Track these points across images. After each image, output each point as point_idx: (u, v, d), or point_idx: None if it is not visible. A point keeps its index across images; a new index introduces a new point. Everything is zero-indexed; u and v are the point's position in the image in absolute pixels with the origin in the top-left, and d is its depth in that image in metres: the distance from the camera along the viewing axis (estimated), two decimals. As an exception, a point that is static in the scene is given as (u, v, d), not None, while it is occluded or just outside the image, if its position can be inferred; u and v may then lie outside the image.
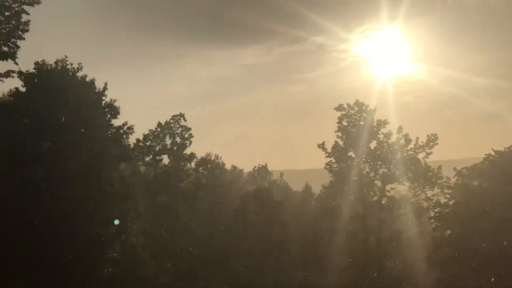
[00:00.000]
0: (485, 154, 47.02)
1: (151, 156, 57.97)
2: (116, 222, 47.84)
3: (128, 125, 45.71)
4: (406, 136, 55.68)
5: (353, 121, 57.89)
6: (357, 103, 57.93)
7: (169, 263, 54.06)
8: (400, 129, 56.32)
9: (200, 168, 61.14)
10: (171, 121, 58.45)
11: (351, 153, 57.91)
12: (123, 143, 46.64)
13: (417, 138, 55.25)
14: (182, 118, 58.82)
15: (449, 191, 50.17)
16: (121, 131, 45.49)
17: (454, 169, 49.28)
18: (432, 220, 50.99)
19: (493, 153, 46.33)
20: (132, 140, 54.33)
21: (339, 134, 57.99)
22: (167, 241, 53.59)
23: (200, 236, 55.42)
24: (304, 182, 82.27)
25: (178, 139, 57.96)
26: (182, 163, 58.45)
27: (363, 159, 57.61)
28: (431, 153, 54.94)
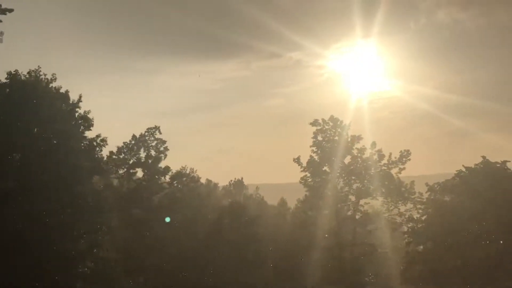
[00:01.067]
0: (456, 170, 48.05)
1: (124, 169, 57.06)
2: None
3: (101, 137, 45.09)
4: (379, 152, 56.57)
5: (328, 136, 58.58)
6: (332, 118, 58.70)
7: (142, 277, 53.14)
8: (373, 144, 57.22)
9: (175, 182, 60.44)
10: (146, 133, 57.78)
11: (326, 168, 58.46)
12: (96, 156, 45.93)
13: (390, 154, 56.25)
14: (157, 131, 58.24)
15: (422, 206, 51.03)
16: (94, 143, 44.82)
17: (426, 184, 50.16)
18: (405, 235, 51.65)
19: (463, 169, 47.34)
20: (105, 152, 53.66)
21: (314, 149, 58.58)
22: (140, 256, 52.70)
23: (174, 251, 54.72)
24: (280, 196, 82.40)
25: (152, 152, 57.26)
26: (157, 177, 57.72)
27: (338, 174, 58.20)
28: (404, 168, 55.93)
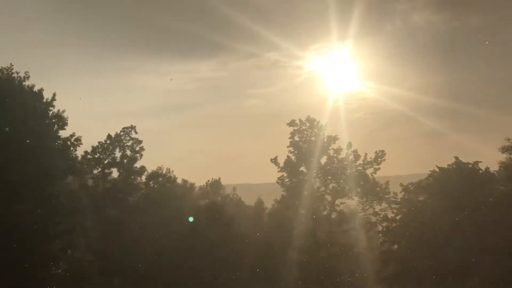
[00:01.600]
0: (429, 171, 48.87)
1: (99, 169, 56.36)
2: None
3: (75, 137, 44.49)
4: (355, 152, 57.27)
5: (304, 137, 59.00)
6: (308, 119, 59.13)
7: (117, 279, 52.46)
8: (349, 145, 57.87)
9: (151, 182, 59.89)
10: (122, 133, 57.17)
11: (302, 168, 58.85)
12: (71, 155, 45.29)
13: (366, 154, 56.99)
14: (133, 131, 57.69)
15: (396, 206, 51.76)
16: (69, 142, 44.18)
17: (401, 184, 50.90)
18: (380, 235, 52.29)
19: (437, 170, 48.19)
20: (80, 152, 52.91)
21: (291, 149, 58.92)
22: (115, 257, 52.04)
23: (150, 251, 54.21)
24: (257, 196, 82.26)
25: (128, 152, 56.69)
26: (132, 177, 57.17)
27: (314, 174, 58.63)
28: (379, 168, 56.78)
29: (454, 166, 46.88)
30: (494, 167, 47.04)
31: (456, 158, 47.37)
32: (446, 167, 47.47)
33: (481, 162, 46.86)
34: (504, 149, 42.54)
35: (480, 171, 46.67)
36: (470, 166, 46.59)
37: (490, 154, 44.57)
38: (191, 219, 50.63)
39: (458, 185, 44.84)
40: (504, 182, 45.32)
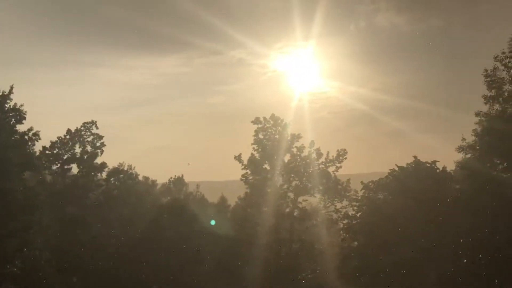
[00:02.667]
0: (389, 169, 49.94)
1: (58, 165, 54.96)
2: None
3: (34, 131, 43.19)
4: (317, 150, 57.91)
5: (268, 135, 59.29)
6: (273, 117, 59.47)
7: (76, 277, 51.37)
8: (312, 143, 58.54)
9: (112, 179, 58.94)
10: (82, 128, 55.94)
11: (266, 166, 59.11)
12: (28, 150, 43.98)
13: (328, 153, 57.72)
14: (94, 126, 56.53)
15: (357, 204, 52.66)
16: (26, 137, 42.86)
17: (362, 182, 51.78)
18: (341, 232, 53.13)
19: (396, 168, 49.30)
20: (38, 147, 51.51)
21: (255, 146, 59.10)
22: (74, 255, 50.97)
23: (110, 249, 53.34)
24: (220, 194, 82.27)
25: (89, 148, 55.55)
26: (93, 173, 56.05)
27: (278, 172, 58.99)
28: (340, 167, 57.57)
29: (413, 165, 48.02)
30: (452, 166, 48.57)
31: (415, 157, 48.57)
32: (405, 166, 48.59)
33: (438, 161, 48.17)
34: (460, 149, 43.83)
35: (438, 170, 47.98)
36: (428, 165, 47.83)
37: (449, 153, 45.94)
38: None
39: (416, 183, 45.97)
40: (460, 181, 46.77)
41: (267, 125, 59.27)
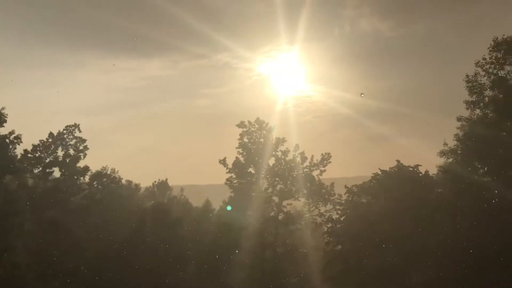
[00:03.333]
0: (372, 173, 50.30)
1: (40, 168, 54.21)
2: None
3: (15, 134, 42.62)
4: (302, 154, 58.10)
5: (253, 138, 59.31)
6: (257, 120, 59.54)
7: (57, 282, 50.60)
8: (297, 147, 58.72)
9: (95, 183, 58.28)
10: (65, 131, 55.29)
11: (251, 169, 59.10)
12: (9, 154, 43.36)
13: (312, 156, 57.93)
14: (77, 129, 55.91)
15: (341, 208, 52.91)
16: (7, 140, 42.26)
17: (345, 186, 52.05)
18: (325, 235, 53.29)
19: (379, 172, 49.67)
20: (19, 150, 50.79)
21: (240, 150, 59.08)
22: (55, 260, 50.22)
23: (92, 254, 52.67)
24: (205, 198, 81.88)
25: (71, 151, 54.89)
26: (75, 177, 55.37)
27: (263, 175, 58.99)
28: (324, 170, 57.79)
29: (396, 169, 48.47)
30: (435, 171, 49.06)
31: (398, 161, 49.04)
32: (388, 170, 48.99)
33: (421, 165, 48.71)
34: (442, 154, 44.36)
35: (420, 174, 48.48)
36: (411, 169, 48.32)
37: (432, 157, 46.42)
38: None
39: (399, 187, 46.39)
40: (442, 185, 47.31)
41: (252, 128, 59.29)
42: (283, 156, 58.50)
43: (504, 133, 41.93)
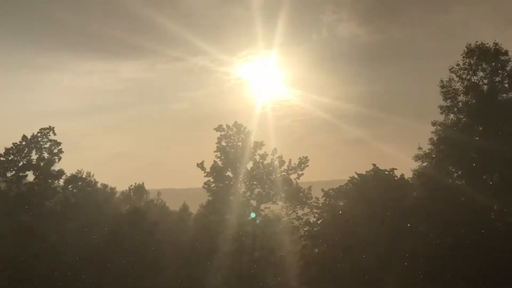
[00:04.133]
0: (349, 177, 50.74)
1: (13, 172, 53.08)
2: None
3: (-13, 137, 41.59)
4: (280, 158, 58.28)
5: (231, 142, 59.23)
6: (235, 124, 59.50)
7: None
8: (275, 150, 58.84)
9: (70, 186, 57.35)
10: (39, 134, 54.28)
11: (229, 173, 58.96)
12: (-20, 157, 42.31)
13: (290, 160, 58.14)
14: (51, 132, 54.95)
15: (318, 211, 53.19)
16: (-21, 143, 41.20)
17: (322, 190, 52.35)
18: (302, 239, 53.45)
19: (356, 176, 50.13)
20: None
21: (218, 154, 58.89)
22: (29, 265, 49.20)
23: (67, 259, 51.79)
24: (182, 201, 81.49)
25: (45, 154, 53.90)
26: (49, 180, 54.37)
27: (240, 179, 58.93)
28: (302, 174, 58.06)
29: (372, 173, 48.97)
30: (410, 174, 49.75)
31: (374, 165, 49.53)
32: (364, 173, 49.46)
33: (396, 169, 49.29)
34: (417, 158, 45.00)
35: (396, 178, 49.09)
36: (387, 173, 48.88)
37: (407, 161, 47.09)
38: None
39: (375, 191, 46.88)
40: (417, 188, 48.00)
41: (230, 132, 59.24)
42: (261, 160, 58.58)
43: (477, 138, 42.82)
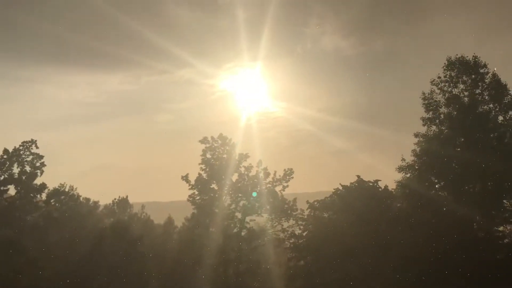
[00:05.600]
0: (334, 188, 50.99)
1: (-6, 186, 52.27)
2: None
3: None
4: (265, 170, 58.28)
5: (216, 154, 59.09)
6: (220, 136, 59.45)
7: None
8: (260, 162, 58.91)
9: (52, 200, 56.49)
10: (21, 148, 53.59)
11: (214, 185, 58.73)
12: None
13: (275, 172, 58.19)
14: (34, 145, 54.30)
15: (303, 223, 53.22)
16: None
17: (307, 202, 52.46)
18: (288, 251, 53.34)
19: (340, 188, 50.42)
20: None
21: (203, 166, 58.67)
22: (9, 280, 48.19)
23: (49, 273, 50.86)
24: (167, 215, 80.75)
25: (28, 168, 53.20)
26: (32, 195, 53.59)
27: (225, 191, 58.71)
28: (287, 186, 58.08)
29: (356, 184, 49.33)
30: (394, 185, 50.16)
31: (358, 176, 49.95)
32: (349, 185, 49.78)
33: (380, 180, 49.79)
34: (400, 169, 45.48)
35: (380, 189, 49.51)
36: (371, 184, 49.30)
37: (392, 172, 47.53)
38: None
39: (359, 202, 47.18)
40: (401, 200, 48.43)
41: (215, 144, 59.13)
42: (246, 172, 58.50)
43: (458, 149, 43.50)
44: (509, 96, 43.36)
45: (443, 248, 40.24)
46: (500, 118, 43.74)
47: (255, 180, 58.29)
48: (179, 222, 77.78)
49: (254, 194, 56.86)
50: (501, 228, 42.66)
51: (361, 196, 47.81)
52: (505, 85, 43.53)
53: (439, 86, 44.99)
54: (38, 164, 53.96)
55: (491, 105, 43.88)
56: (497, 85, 43.57)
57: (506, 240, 42.28)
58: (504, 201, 42.63)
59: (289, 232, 54.53)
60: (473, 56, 44.36)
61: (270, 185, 57.86)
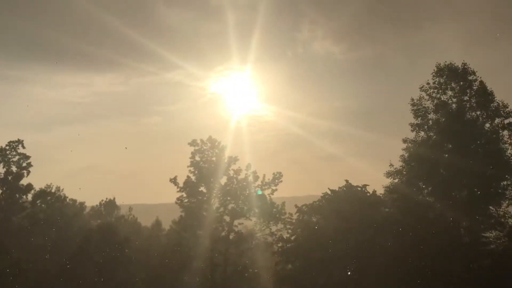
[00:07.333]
0: (322, 193, 50.97)
1: (-21, 186, 51.56)
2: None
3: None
4: (254, 173, 58.21)
5: (205, 157, 58.92)
6: (210, 139, 59.29)
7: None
8: (249, 166, 58.79)
9: (38, 201, 55.85)
10: (7, 147, 52.97)
11: (202, 188, 58.53)
12: None
13: (264, 175, 58.13)
14: (20, 145, 53.70)
15: (291, 227, 53.09)
16: None
17: (296, 206, 52.39)
18: (275, 255, 53.19)
19: (329, 192, 50.40)
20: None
21: (192, 169, 58.46)
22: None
23: (34, 275, 50.24)
24: (155, 217, 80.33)
25: (14, 168, 52.59)
26: (17, 195, 52.96)
27: (214, 195, 58.52)
28: (276, 189, 58.09)
29: (345, 189, 49.34)
30: (382, 190, 50.26)
31: (347, 181, 49.94)
32: (337, 189, 49.78)
33: (368, 185, 49.72)
34: (389, 174, 45.66)
35: (368, 194, 49.57)
36: (359, 188, 49.33)
37: (379, 177, 47.70)
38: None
39: (347, 207, 47.19)
40: (389, 205, 48.60)
41: (204, 147, 58.96)
42: (235, 175, 58.39)
43: (446, 155, 43.80)
44: (495, 103, 43.85)
45: (429, 253, 40.43)
46: (487, 125, 44.19)
47: (244, 183, 58.20)
48: (166, 225, 77.40)
49: (259, 192, 56.73)
50: (487, 234, 42.99)
51: (349, 201, 47.80)
52: (491, 92, 44.01)
53: (428, 92, 45.37)
54: (24, 165, 53.41)
55: (478, 112, 44.34)
56: (483, 92, 44.05)
57: (492, 246, 42.60)
58: (490, 207, 43.01)
59: (277, 236, 54.39)
60: (462, 63, 44.87)
61: (259, 189, 57.78)
